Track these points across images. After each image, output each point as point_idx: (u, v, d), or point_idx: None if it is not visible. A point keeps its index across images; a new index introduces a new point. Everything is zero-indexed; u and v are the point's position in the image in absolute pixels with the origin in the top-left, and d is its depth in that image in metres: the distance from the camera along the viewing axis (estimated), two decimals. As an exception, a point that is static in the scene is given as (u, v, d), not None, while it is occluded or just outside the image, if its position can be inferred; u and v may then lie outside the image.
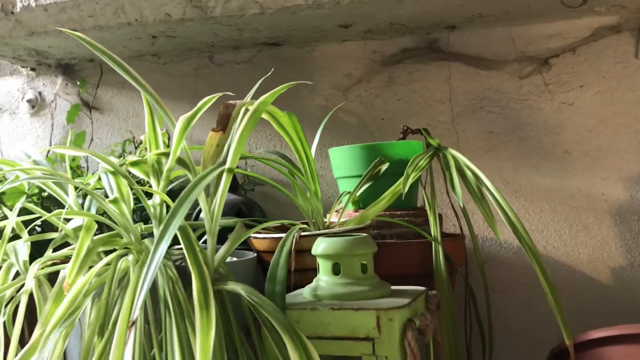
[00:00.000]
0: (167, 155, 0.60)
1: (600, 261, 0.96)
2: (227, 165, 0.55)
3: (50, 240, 0.64)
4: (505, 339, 0.97)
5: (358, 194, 0.84)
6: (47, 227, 0.81)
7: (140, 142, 1.11)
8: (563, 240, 0.98)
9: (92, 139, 1.17)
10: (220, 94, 0.61)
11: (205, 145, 0.56)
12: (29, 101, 1.28)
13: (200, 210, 0.90)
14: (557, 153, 0.99)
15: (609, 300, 0.95)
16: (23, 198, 0.76)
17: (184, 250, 0.52)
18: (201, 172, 0.55)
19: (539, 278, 0.71)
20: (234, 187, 0.92)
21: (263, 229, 0.75)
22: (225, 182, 0.55)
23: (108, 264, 0.57)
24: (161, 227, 0.47)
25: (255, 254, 0.74)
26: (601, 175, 0.97)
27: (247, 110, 0.59)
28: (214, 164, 0.56)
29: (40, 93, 1.28)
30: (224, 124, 0.54)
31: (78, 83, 1.19)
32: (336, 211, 0.83)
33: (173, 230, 0.48)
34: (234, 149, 0.55)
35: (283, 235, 0.70)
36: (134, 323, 0.45)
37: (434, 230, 0.81)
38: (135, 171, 0.61)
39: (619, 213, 0.96)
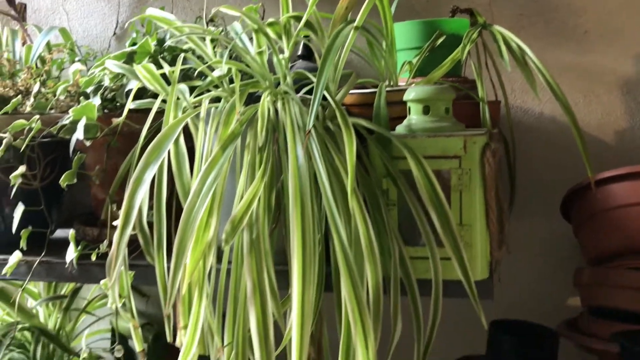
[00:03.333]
0: (296, 18, 0.75)
1: (607, 125, 1.16)
2: (355, 24, 0.71)
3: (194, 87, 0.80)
4: (526, 183, 1.18)
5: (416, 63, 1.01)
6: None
7: (211, 19, 1.24)
8: (577, 108, 1.17)
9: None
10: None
11: (337, 7, 0.72)
12: (94, -19, 1.39)
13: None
14: (578, 33, 1.16)
15: (612, 156, 1.15)
16: (147, 57, 0.92)
17: (325, 92, 0.70)
18: (331, 30, 0.72)
19: (569, 125, 0.90)
20: (309, 56, 1.08)
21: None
22: (351, 38, 0.71)
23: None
24: (319, 69, 0.65)
25: (344, 107, 0.92)
26: (614, 54, 1.15)
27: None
28: (342, 23, 0.72)
29: (105, -27, 1.38)
30: (354, -10, 0.70)
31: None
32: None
33: (327, 72, 0.65)
34: (363, 10, 0.71)
35: (369, 90, 0.88)
36: (309, 131, 0.63)
37: (481, 92, 0.99)
38: (268, 30, 0.77)
39: (626, 85, 1.15)
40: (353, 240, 0.68)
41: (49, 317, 1.28)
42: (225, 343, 0.74)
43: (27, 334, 1.23)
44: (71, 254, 0.82)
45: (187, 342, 0.72)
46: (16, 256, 0.88)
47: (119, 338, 1.34)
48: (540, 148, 1.19)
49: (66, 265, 0.88)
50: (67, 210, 1.07)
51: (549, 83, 0.92)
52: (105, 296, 1.42)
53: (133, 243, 0.85)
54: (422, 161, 0.69)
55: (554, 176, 1.18)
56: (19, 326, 1.16)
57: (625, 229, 0.93)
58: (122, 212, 0.63)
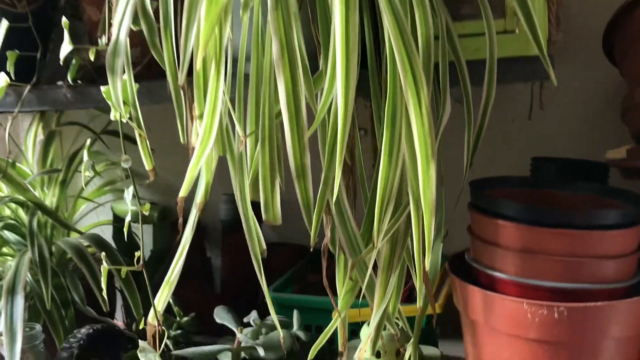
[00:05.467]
0: None
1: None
2: None
3: None
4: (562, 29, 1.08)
5: None
6: None
7: None
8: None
9: None
10: None
11: None
12: None
13: None
14: None
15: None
16: None
17: None
18: None
19: None
20: None
21: None
22: None
23: None
24: None
25: None
26: None
27: None
28: None
29: None
30: None
31: None
32: None
33: None
34: None
35: None
36: None
37: None
38: None
39: None
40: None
41: (44, 199, 1.18)
42: (247, 133, 0.64)
43: (21, 212, 1.13)
44: (66, 46, 0.71)
45: (202, 134, 0.62)
46: (3, 79, 0.78)
47: (118, 220, 1.26)
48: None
49: (60, 88, 0.78)
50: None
51: None
52: (108, 183, 1.32)
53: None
54: None
55: (591, 20, 1.08)
56: (7, 198, 1.05)
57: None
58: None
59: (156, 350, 0.65)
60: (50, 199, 1.17)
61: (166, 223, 1.20)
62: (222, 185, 0.97)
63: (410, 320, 0.78)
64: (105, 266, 0.67)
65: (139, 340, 0.67)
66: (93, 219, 1.31)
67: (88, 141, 0.72)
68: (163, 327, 0.64)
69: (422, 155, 0.53)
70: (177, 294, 0.90)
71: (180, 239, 0.66)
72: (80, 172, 1.17)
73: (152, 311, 0.68)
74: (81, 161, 1.16)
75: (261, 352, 0.79)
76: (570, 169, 0.86)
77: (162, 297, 0.67)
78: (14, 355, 0.85)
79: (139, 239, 1.28)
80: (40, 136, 1.28)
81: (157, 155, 1.14)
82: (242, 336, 0.81)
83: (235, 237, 1.20)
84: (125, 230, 0.70)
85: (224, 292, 1.20)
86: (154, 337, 0.67)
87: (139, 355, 0.66)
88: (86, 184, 1.23)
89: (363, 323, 0.89)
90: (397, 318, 0.78)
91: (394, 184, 0.58)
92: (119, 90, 0.67)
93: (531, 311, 0.56)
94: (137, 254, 0.69)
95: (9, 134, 0.95)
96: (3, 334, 0.87)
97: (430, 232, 0.55)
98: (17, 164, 1.19)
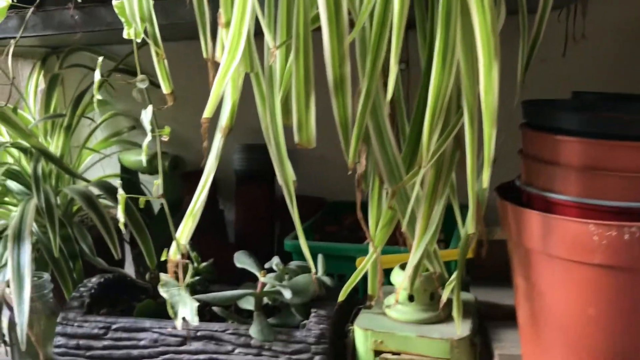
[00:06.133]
0: None
1: None
2: None
3: None
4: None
5: None
6: None
7: None
8: None
9: None
10: None
11: None
12: None
13: None
14: None
15: None
16: None
17: None
18: None
19: None
20: None
21: None
22: None
23: None
24: None
25: None
26: None
27: None
28: None
29: None
30: None
31: None
32: None
33: None
34: None
35: None
36: None
37: None
38: None
39: None
40: None
41: (48, 148, 1.12)
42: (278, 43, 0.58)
43: (24, 160, 1.07)
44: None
45: (230, 45, 0.56)
46: (4, 0, 0.71)
47: (126, 172, 1.20)
48: None
49: (67, 9, 0.71)
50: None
51: None
52: (114, 134, 1.27)
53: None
54: None
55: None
56: (9, 143, 0.99)
57: None
58: None
59: (180, 284, 0.60)
60: (54, 148, 1.11)
61: (177, 173, 1.14)
62: (234, 136, 0.91)
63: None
64: (122, 194, 0.61)
65: (160, 274, 0.62)
66: (99, 172, 1.25)
67: (101, 59, 0.65)
68: (187, 261, 0.58)
69: (484, 54, 0.47)
70: (190, 246, 0.85)
71: (204, 164, 0.60)
72: (86, 117, 1.11)
73: (173, 245, 0.62)
74: (87, 106, 1.09)
75: (287, 294, 0.74)
76: (612, 97, 0.80)
77: (186, 230, 0.62)
78: (22, 302, 0.80)
79: (149, 192, 1.23)
80: (42, 85, 1.21)
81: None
82: (267, 279, 0.76)
83: (249, 187, 1.15)
84: (144, 151, 0.63)
85: (238, 244, 1.15)
86: (176, 273, 0.61)
87: (161, 290, 0.61)
88: (92, 132, 1.17)
89: (390, 270, 0.84)
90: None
91: (446, 93, 0.52)
92: (135, 1, 0.61)
93: (598, 233, 0.51)
94: (155, 182, 0.63)
95: (12, 80, 0.89)
96: (10, 281, 0.82)
97: (490, 143, 0.49)
98: (19, 111, 1.12)
